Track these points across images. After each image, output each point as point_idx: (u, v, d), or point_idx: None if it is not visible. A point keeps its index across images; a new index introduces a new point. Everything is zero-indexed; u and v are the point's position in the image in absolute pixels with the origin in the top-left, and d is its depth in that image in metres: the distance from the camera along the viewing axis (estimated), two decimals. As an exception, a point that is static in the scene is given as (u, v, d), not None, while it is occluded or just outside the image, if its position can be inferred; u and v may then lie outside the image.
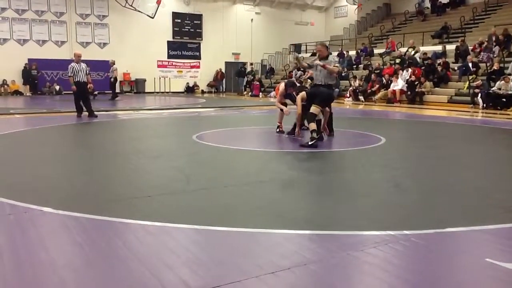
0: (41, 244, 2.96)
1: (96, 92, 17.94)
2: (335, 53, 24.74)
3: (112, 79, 19.17)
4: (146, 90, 25.09)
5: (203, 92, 26.75)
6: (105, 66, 20.89)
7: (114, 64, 19.13)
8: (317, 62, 7.10)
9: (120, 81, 24.53)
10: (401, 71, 18.18)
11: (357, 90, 19.03)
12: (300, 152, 6.65)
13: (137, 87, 24.93)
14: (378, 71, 19.33)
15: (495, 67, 15.50)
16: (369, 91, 18.74)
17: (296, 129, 7.84)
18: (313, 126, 6.96)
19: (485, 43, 17.57)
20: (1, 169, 5.34)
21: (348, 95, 19.74)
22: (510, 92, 14.20)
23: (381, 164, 5.89)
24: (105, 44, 23.90)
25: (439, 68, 17.53)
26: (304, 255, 2.77)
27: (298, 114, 7.65)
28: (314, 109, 7.10)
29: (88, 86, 11.73)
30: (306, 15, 29.93)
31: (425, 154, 6.72)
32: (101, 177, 5.04)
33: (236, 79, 27.22)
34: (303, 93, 7.65)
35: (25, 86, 21.82)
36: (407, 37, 21.82)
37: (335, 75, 7.31)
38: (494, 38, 17.47)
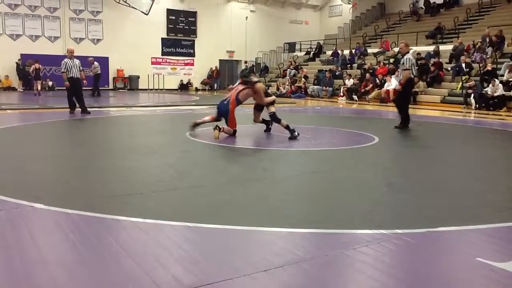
0: (32, 240, 2.94)
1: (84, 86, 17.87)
2: (329, 52, 24.89)
3: (94, 75, 18.92)
4: (139, 87, 25.00)
5: (197, 89, 26.70)
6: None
7: (94, 62, 18.94)
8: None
9: (114, 78, 24.45)
10: (397, 72, 18.22)
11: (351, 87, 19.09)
12: (293, 150, 6.66)
13: (130, 84, 24.82)
14: (371, 70, 19.38)
15: (488, 68, 15.59)
16: (362, 90, 18.79)
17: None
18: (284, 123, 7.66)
19: (478, 44, 17.67)
20: (-8, 165, 5.29)
21: (341, 94, 19.80)
22: (497, 94, 14.32)
23: (374, 163, 5.91)
24: (98, 40, 23.77)
25: (432, 68, 17.62)
26: (297, 253, 2.78)
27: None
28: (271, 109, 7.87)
29: (84, 83, 11.71)
30: (300, 13, 29.95)
31: (418, 154, 6.75)
32: (93, 173, 5.01)
33: (230, 76, 27.23)
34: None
35: (20, 81, 21.65)
36: (401, 37, 21.87)
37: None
38: (487, 39, 17.57)
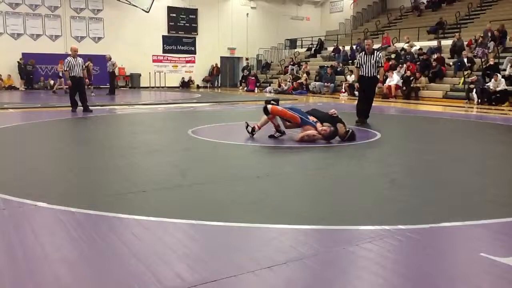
0: (35, 239, 2.95)
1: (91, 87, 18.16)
2: (330, 48, 24.85)
3: (111, 72, 19.17)
4: (141, 85, 25.00)
5: (198, 87, 26.70)
6: (99, 61, 20.81)
7: (111, 58, 19.13)
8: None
9: (115, 76, 24.41)
10: (399, 67, 18.18)
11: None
12: (295, 147, 6.65)
13: (132, 82, 24.82)
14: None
15: (491, 62, 15.54)
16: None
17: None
18: None
19: (480, 39, 17.62)
20: (-5, 164, 5.31)
21: (343, 90, 19.76)
22: (499, 88, 14.28)
23: (377, 159, 5.90)
24: (99, 38, 23.77)
25: (434, 64, 17.57)
26: (300, 250, 2.77)
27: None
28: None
29: (86, 81, 11.76)
30: (301, 10, 29.89)
31: (420, 149, 6.73)
32: (96, 172, 5.02)
33: (232, 74, 27.23)
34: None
35: (22, 80, 21.69)
36: (402, 32, 21.83)
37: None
38: (489, 34, 17.51)
